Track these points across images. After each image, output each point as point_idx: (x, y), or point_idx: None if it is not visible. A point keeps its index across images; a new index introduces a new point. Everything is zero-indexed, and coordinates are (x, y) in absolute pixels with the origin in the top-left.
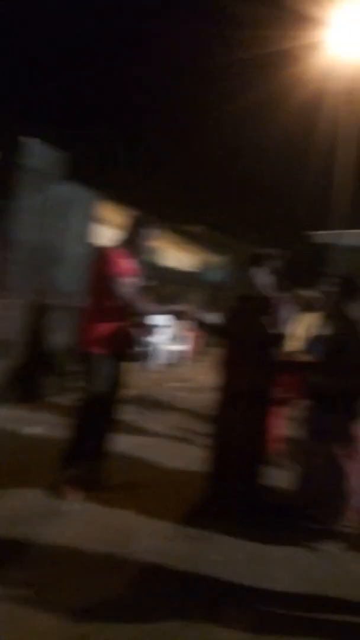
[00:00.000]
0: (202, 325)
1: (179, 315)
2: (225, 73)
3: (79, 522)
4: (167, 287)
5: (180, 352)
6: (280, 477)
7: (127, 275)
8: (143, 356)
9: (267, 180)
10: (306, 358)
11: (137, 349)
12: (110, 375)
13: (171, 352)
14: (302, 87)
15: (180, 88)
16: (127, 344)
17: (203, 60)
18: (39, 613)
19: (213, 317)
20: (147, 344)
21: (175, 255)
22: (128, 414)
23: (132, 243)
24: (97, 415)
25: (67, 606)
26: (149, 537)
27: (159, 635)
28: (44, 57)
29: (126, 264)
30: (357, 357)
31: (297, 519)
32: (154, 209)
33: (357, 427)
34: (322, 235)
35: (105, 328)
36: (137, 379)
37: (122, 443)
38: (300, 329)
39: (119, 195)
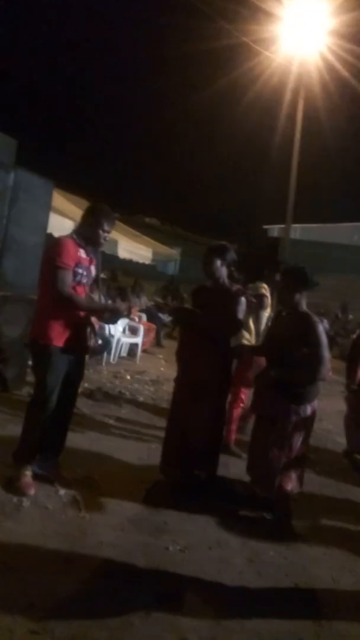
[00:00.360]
0: (175, 316)
1: (116, 315)
2: (183, 65)
3: (33, 518)
4: (120, 279)
5: (135, 344)
6: (236, 465)
7: (79, 266)
8: (98, 349)
9: (222, 172)
10: (258, 347)
11: (89, 341)
12: (60, 368)
13: (125, 345)
14: (260, 80)
15: (138, 79)
16: (79, 336)
17: (161, 51)
18: None
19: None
20: (101, 337)
21: (129, 247)
22: (83, 407)
23: (89, 233)
24: (47, 410)
25: (19, 602)
26: (105, 531)
27: (120, 627)
28: None
29: (78, 255)
30: (307, 347)
31: (252, 505)
32: (108, 198)
33: (304, 411)
34: (275, 229)
35: (55, 319)
36: (92, 372)
37: (77, 437)
38: (254, 320)
39: (73, 184)
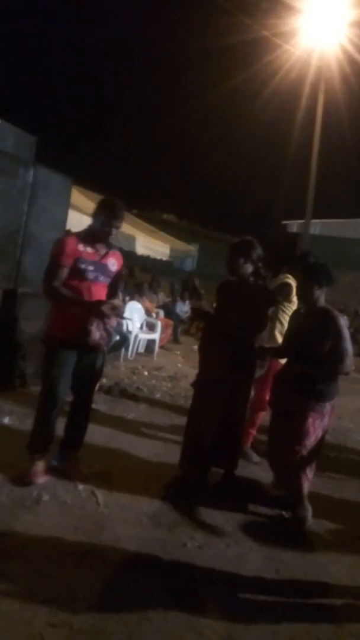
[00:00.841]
0: (197, 314)
1: (95, 311)
2: (202, 60)
3: (52, 512)
4: (137, 275)
5: (152, 341)
6: (252, 464)
7: (80, 262)
8: (115, 345)
9: (241, 168)
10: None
11: (92, 336)
12: (62, 361)
13: (143, 341)
14: (280, 74)
15: (155, 75)
16: (81, 330)
17: (180, 46)
18: (8, 601)
19: (183, 306)
20: (117, 333)
21: (146, 243)
22: (101, 403)
23: (97, 228)
24: (52, 401)
25: (38, 595)
26: (123, 526)
27: (137, 622)
28: (12, 41)
29: (78, 251)
30: (331, 342)
31: (269, 504)
32: (126, 195)
33: (324, 408)
34: (295, 225)
35: (58, 313)
36: (109, 368)
37: (95, 432)
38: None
39: (91, 181)
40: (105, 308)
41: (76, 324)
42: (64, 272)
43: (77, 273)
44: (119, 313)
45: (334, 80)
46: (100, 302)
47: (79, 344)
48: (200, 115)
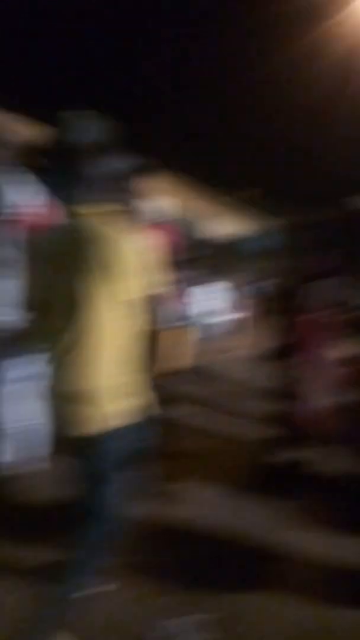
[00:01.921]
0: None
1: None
2: (253, 31)
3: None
4: (215, 259)
5: (235, 321)
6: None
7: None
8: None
9: (303, 141)
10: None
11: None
12: None
13: (225, 322)
14: (334, 43)
15: (211, 50)
16: None
17: (232, 18)
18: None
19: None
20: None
21: (225, 224)
22: (181, 383)
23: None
24: None
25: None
26: (197, 503)
27: (136, 599)
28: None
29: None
30: None
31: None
32: (202, 176)
33: None
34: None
35: None
36: (190, 348)
37: (174, 412)
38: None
39: (170, 164)
40: None
41: None
42: None
43: None
44: None
45: None
46: None
47: None
48: (264, 86)
